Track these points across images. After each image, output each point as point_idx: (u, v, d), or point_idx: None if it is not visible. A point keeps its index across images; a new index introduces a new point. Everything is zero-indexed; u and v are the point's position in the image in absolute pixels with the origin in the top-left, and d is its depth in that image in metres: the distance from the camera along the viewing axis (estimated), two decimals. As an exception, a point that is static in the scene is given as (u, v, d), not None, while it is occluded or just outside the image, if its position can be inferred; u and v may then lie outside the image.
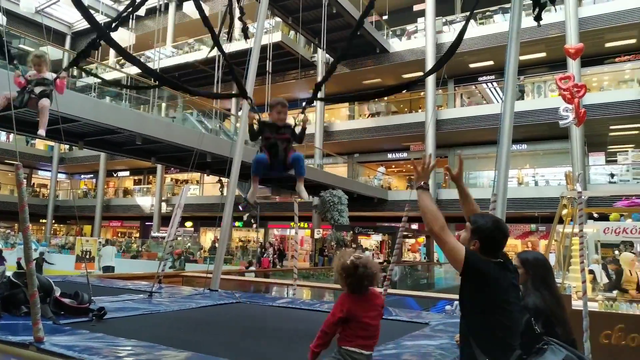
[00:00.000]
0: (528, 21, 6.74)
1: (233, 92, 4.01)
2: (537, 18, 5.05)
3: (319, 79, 24.44)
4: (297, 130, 3.66)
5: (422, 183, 2.46)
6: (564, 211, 9.68)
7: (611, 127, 20.66)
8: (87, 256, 12.27)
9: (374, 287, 2.41)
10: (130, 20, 24.64)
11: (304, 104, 3.76)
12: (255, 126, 3.61)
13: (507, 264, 2.38)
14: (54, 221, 33.79)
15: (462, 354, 2.39)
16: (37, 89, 4.05)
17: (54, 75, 4.28)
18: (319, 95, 23.91)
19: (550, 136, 20.87)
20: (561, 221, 9.90)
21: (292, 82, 25.75)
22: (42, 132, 4.08)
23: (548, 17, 19.43)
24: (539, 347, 2.51)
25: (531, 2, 5.06)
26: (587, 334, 3.93)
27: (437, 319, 4.46)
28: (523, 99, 21.33)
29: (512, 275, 2.37)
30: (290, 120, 3.65)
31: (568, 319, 2.81)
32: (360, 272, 2.30)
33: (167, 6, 26.83)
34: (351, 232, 21.13)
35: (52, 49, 14.39)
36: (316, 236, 21.49)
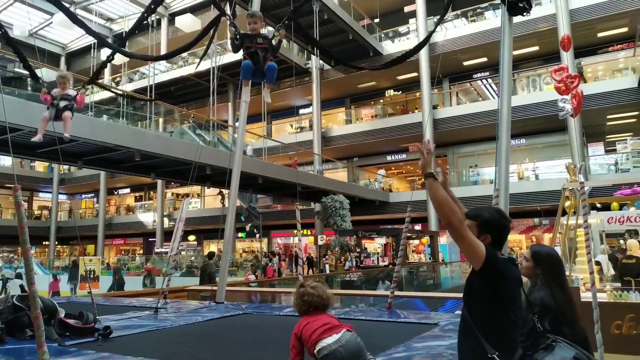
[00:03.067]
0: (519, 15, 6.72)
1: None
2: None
3: (315, 85, 24.50)
4: (275, 42, 4.03)
5: (430, 171, 2.25)
6: (567, 203, 9.64)
7: (608, 117, 20.65)
8: (91, 275, 12.22)
9: (322, 310, 2.53)
10: (123, 37, 24.79)
11: (279, 25, 4.16)
12: (236, 39, 3.96)
13: (512, 259, 2.36)
14: (56, 242, 33.74)
15: (463, 349, 2.28)
16: (62, 103, 4.88)
17: (75, 92, 5.10)
18: (314, 100, 23.83)
19: (548, 129, 20.88)
20: (564, 213, 9.85)
21: (288, 90, 25.81)
22: (67, 135, 4.84)
23: (539, 10, 19.50)
24: (547, 343, 2.46)
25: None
26: (598, 325, 3.90)
27: (445, 319, 4.41)
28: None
29: (518, 271, 2.35)
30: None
31: (579, 319, 2.70)
32: (302, 290, 2.55)
33: (159, 22, 26.93)
34: (354, 236, 21.05)
35: (47, 70, 14.40)
36: (320, 242, 21.41)
